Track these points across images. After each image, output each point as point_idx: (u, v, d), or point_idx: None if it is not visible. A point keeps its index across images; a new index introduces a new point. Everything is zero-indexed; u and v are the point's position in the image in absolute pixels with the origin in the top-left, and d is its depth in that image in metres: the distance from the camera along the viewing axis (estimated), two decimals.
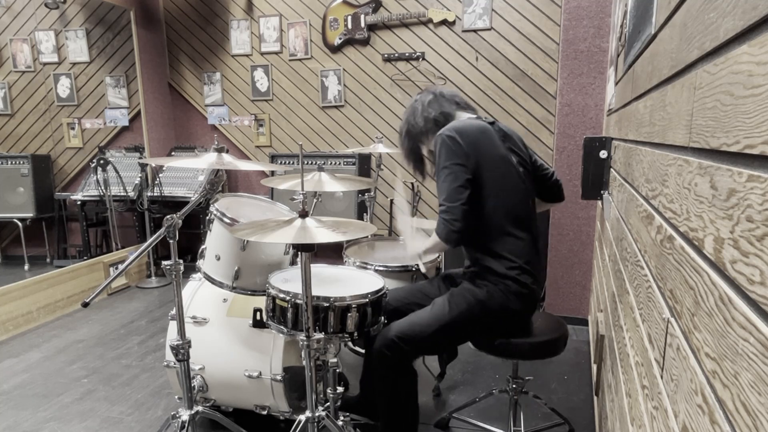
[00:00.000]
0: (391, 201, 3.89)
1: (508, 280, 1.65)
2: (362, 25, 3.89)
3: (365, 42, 3.93)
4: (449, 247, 1.65)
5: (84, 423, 2.16)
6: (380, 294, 1.66)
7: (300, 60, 4.15)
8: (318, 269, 1.88)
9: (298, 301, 1.54)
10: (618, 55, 2.03)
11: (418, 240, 1.86)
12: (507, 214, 1.67)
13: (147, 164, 4.06)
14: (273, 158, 4.15)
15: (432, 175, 1.92)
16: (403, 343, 1.64)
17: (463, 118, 1.79)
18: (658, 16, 1.03)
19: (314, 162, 3.95)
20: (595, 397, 2.24)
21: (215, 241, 1.85)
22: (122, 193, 4.02)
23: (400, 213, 2.13)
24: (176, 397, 2.10)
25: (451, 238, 1.60)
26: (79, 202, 4.09)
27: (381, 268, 2.00)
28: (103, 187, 3.93)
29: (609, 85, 2.50)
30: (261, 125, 4.36)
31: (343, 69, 4.05)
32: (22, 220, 4.13)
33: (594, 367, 2.34)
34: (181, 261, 1.60)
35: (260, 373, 1.83)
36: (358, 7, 3.88)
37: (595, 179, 2.03)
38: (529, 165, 1.79)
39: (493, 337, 1.71)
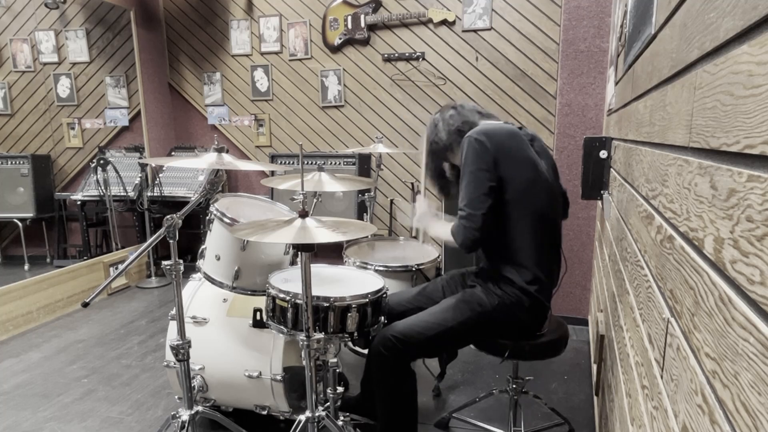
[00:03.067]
0: (391, 201, 3.89)
1: (524, 295, 1.62)
2: (362, 25, 3.89)
3: (365, 42, 3.93)
4: (461, 249, 1.62)
5: (84, 423, 2.16)
6: (380, 294, 1.65)
7: (300, 60, 4.15)
8: (318, 269, 1.88)
9: (298, 301, 1.54)
10: (618, 55, 2.03)
11: (437, 222, 1.81)
12: (535, 220, 1.62)
13: (147, 164, 4.05)
14: (273, 158, 4.15)
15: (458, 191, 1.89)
16: (401, 343, 1.63)
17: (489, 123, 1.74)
18: (658, 16, 1.03)
19: (314, 162, 3.95)
20: (595, 397, 2.24)
21: (215, 241, 1.85)
22: (122, 193, 4.02)
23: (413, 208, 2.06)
24: (176, 397, 2.10)
25: (467, 245, 1.57)
26: (79, 202, 4.09)
27: (381, 268, 2.00)
28: (103, 187, 3.93)
29: (609, 85, 2.50)
30: (261, 125, 4.36)
31: (343, 69, 4.05)
32: (22, 220, 4.13)
33: (594, 367, 2.34)
34: (181, 261, 1.60)
35: (260, 373, 1.83)
36: (358, 7, 3.88)
37: (595, 179, 2.03)
38: (555, 173, 1.75)
39: (496, 339, 1.71)
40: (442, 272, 2.16)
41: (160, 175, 4.19)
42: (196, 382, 1.89)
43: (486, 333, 1.69)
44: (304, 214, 1.45)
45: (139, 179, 4.06)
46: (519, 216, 1.61)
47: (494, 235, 1.62)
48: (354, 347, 2.17)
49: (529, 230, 1.62)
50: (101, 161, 3.88)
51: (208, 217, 1.87)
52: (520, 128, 1.71)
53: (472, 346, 1.76)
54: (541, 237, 1.64)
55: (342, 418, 1.76)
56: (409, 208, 2.00)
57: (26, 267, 4.17)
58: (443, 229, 1.70)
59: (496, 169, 1.57)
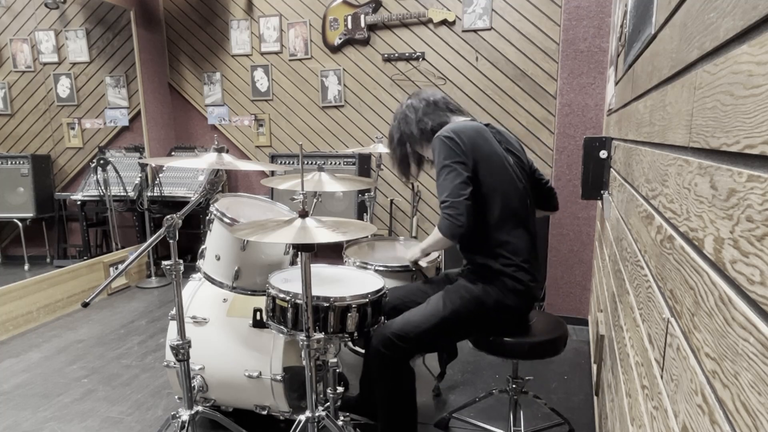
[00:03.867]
0: (391, 201, 3.89)
1: (504, 277, 1.66)
2: (362, 25, 3.89)
3: (365, 42, 3.93)
4: (452, 243, 1.66)
5: (84, 423, 2.16)
6: (380, 294, 1.65)
7: (300, 60, 4.15)
8: (318, 269, 1.88)
9: (298, 301, 1.54)
10: (618, 55, 2.03)
11: (414, 245, 1.89)
12: (504, 213, 1.67)
13: (147, 164, 4.06)
14: (273, 158, 4.15)
15: (417, 177, 1.99)
16: (399, 340, 1.64)
17: (457, 121, 1.81)
18: (658, 16, 1.03)
19: (314, 162, 3.95)
20: (595, 397, 2.24)
21: (215, 241, 1.85)
22: (122, 193, 4.02)
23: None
24: (176, 397, 2.10)
25: (456, 234, 1.60)
26: (79, 202, 4.09)
27: (381, 268, 2.00)
28: (103, 187, 3.93)
29: (609, 85, 2.50)
30: (261, 125, 4.36)
31: (343, 69, 4.05)
32: (22, 220, 4.13)
33: (594, 367, 2.34)
34: (181, 261, 1.60)
35: (260, 373, 1.83)
36: (358, 7, 3.88)
37: (595, 179, 2.03)
38: (526, 166, 1.80)
39: (491, 335, 1.71)
40: (442, 272, 2.16)
41: (160, 175, 4.19)
42: (196, 382, 1.89)
43: (478, 319, 1.70)
44: (304, 214, 1.45)
45: (139, 179, 4.06)
46: (489, 209, 1.66)
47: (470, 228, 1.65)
48: (354, 347, 2.17)
49: (500, 222, 1.67)
50: (101, 161, 3.88)
51: (208, 217, 1.87)
52: (486, 125, 1.78)
53: (471, 345, 1.77)
54: (511, 228, 1.68)
55: (342, 418, 1.76)
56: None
57: (26, 267, 4.17)
58: (431, 236, 1.72)
59: (468, 159, 1.63)
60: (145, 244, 1.60)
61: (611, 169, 1.97)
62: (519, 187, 1.73)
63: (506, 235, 1.67)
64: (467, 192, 1.59)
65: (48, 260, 4.37)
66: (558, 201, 1.96)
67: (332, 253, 2.81)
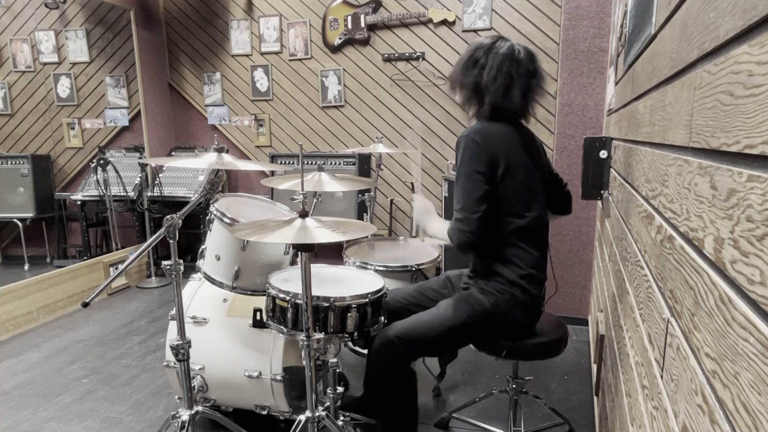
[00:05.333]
0: (391, 201, 3.87)
1: (516, 288, 1.63)
2: (362, 25, 3.89)
3: (365, 42, 3.93)
4: (458, 250, 1.64)
5: (84, 423, 2.16)
6: (380, 294, 1.65)
7: (300, 60, 4.15)
8: (318, 269, 1.88)
9: (298, 301, 1.54)
10: (618, 55, 2.03)
11: (436, 220, 1.79)
12: (522, 224, 1.64)
13: (147, 164, 4.06)
14: (273, 158, 4.15)
15: (461, 105, 1.76)
16: (402, 343, 1.63)
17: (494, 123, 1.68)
18: (658, 16, 1.03)
19: (314, 162, 3.95)
20: (595, 397, 2.24)
21: (215, 241, 1.85)
22: (122, 193, 4.02)
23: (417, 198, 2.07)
24: (176, 397, 2.10)
25: (463, 248, 1.59)
26: (79, 202, 4.09)
27: (381, 268, 2.00)
28: (103, 187, 3.93)
29: (609, 85, 2.50)
30: (261, 125, 4.36)
31: (343, 69, 4.05)
32: (22, 220, 4.13)
33: (594, 367, 2.34)
34: (181, 261, 1.60)
35: (260, 373, 1.83)
36: (358, 7, 3.88)
37: (595, 179, 2.03)
38: (547, 176, 1.76)
39: (493, 337, 1.71)
40: (442, 272, 2.16)
41: (160, 175, 4.19)
42: (196, 382, 1.89)
43: (484, 331, 1.69)
44: (304, 214, 1.45)
45: (139, 179, 4.06)
46: (507, 218, 1.62)
47: (485, 237, 1.63)
48: (354, 347, 2.18)
49: (516, 233, 1.64)
50: (101, 161, 3.88)
51: (208, 217, 1.87)
52: (519, 126, 1.70)
53: (471, 346, 1.77)
54: (526, 241, 1.65)
55: (342, 418, 1.76)
56: (418, 163, 1.96)
57: (26, 267, 4.17)
58: (441, 228, 1.70)
59: (491, 171, 1.58)
60: (145, 244, 1.60)
61: (611, 169, 1.97)
62: (540, 201, 1.69)
63: (520, 249, 1.64)
64: (482, 209, 1.55)
65: (48, 260, 4.36)
66: (572, 205, 1.93)
67: (332, 253, 2.82)
